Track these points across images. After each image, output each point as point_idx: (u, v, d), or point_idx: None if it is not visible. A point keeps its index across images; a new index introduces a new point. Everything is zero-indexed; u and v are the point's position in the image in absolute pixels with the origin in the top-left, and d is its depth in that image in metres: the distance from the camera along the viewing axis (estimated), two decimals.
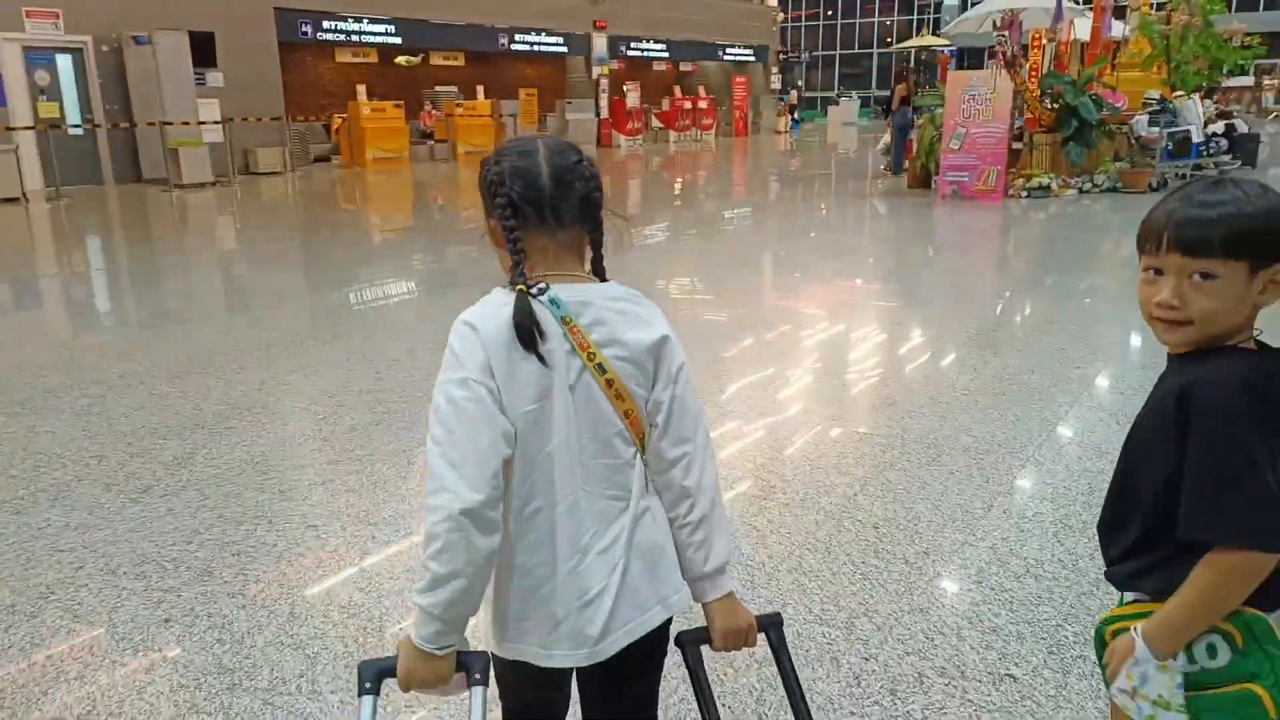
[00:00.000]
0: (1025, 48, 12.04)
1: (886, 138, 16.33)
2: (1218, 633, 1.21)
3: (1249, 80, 15.78)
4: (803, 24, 51.37)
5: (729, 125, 30.47)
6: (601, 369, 1.28)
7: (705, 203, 13.89)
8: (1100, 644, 1.35)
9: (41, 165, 14.30)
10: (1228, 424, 1.17)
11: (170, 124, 14.71)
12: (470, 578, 1.21)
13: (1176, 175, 12.32)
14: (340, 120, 19.54)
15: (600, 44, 26.37)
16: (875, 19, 52.60)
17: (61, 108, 14.89)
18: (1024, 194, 11.97)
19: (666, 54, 29.77)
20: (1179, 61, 14.11)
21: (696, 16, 29.98)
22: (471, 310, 1.29)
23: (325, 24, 19.23)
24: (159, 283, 7.84)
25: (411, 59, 22.68)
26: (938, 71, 15.90)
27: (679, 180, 17.84)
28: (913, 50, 17.51)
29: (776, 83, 34.31)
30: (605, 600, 1.30)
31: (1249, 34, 16.34)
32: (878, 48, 52.37)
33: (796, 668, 1.42)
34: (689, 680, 1.42)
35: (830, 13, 53.61)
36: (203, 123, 15.20)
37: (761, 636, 1.42)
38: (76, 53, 14.98)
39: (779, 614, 1.46)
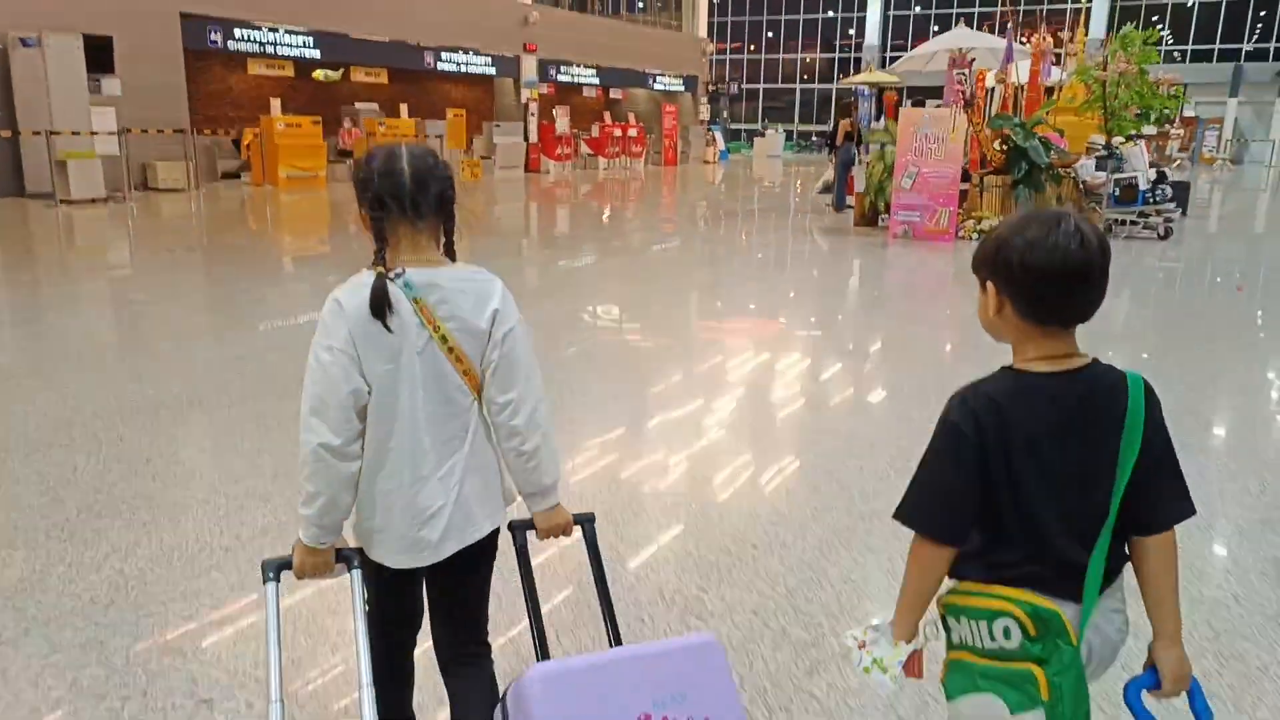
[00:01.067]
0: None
1: (829, 174, 16.01)
2: (1014, 619, 1.37)
3: (1152, 130, 16.01)
4: (727, 56, 51.72)
5: (658, 154, 30.05)
6: (444, 339, 1.66)
7: (643, 237, 13.22)
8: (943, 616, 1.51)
9: None
10: (939, 425, 1.43)
11: (58, 134, 13.32)
12: (333, 495, 1.66)
13: (1121, 221, 12.22)
14: (251, 135, 18.27)
15: (530, 67, 25.65)
16: (797, 55, 53.33)
17: None
18: (974, 235, 11.66)
19: (597, 80, 29.25)
20: (1114, 108, 14.15)
21: (627, 44, 29.59)
22: (341, 288, 1.65)
23: (237, 32, 17.99)
24: (22, 321, 6.70)
25: (331, 74, 21.54)
26: (880, 109, 15.64)
27: (612, 210, 17.16)
28: (858, 85, 17.32)
29: (705, 113, 34.13)
30: (442, 516, 1.71)
31: (1173, 85, 16.63)
32: (800, 83, 53.09)
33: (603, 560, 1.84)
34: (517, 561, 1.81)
35: (754, 47, 54.15)
36: (95, 133, 13.85)
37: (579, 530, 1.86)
38: None
39: (592, 514, 1.88)
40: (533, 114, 24.88)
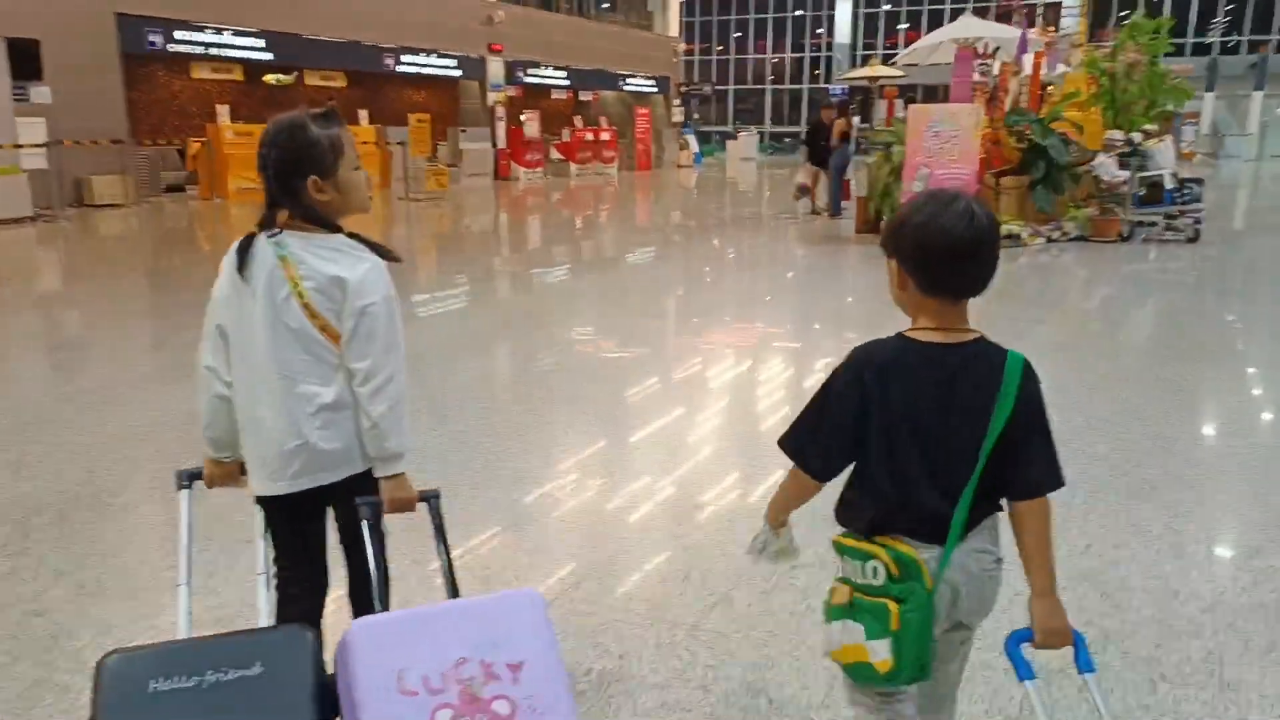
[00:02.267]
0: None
1: (801, 176, 15.01)
2: (880, 562, 1.57)
3: (1152, 126, 15.09)
4: (696, 58, 50.77)
5: (631, 158, 29.00)
6: (301, 295, 1.85)
7: (628, 251, 12.13)
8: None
9: None
10: (831, 374, 1.64)
11: None
12: (210, 413, 1.95)
13: (1145, 223, 11.33)
14: (198, 145, 16.94)
15: (496, 69, 24.47)
16: (767, 55, 52.56)
17: None
18: None
19: (566, 81, 28.12)
20: (1124, 101, 13.30)
21: (597, 43, 28.50)
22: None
23: (179, 34, 16.65)
24: None
25: (283, 77, 20.23)
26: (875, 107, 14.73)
27: (590, 220, 16.06)
28: (856, 82, 16.34)
29: (679, 115, 33.11)
30: (301, 453, 1.89)
31: (1177, 76, 15.84)
32: (770, 84, 52.32)
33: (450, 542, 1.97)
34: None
35: (722, 48, 53.31)
36: (21, 145, 12.49)
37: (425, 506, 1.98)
38: None
39: (438, 490, 1.99)
40: (500, 118, 23.70)
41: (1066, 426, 4.09)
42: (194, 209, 15.79)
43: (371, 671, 1.51)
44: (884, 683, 1.59)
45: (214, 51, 17.46)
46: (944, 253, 1.52)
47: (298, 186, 1.83)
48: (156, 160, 16.84)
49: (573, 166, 26.04)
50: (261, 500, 1.97)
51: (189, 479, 2.01)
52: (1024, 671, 1.56)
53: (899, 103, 14.04)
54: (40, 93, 14.10)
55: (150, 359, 6.09)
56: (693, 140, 33.33)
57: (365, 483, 1.94)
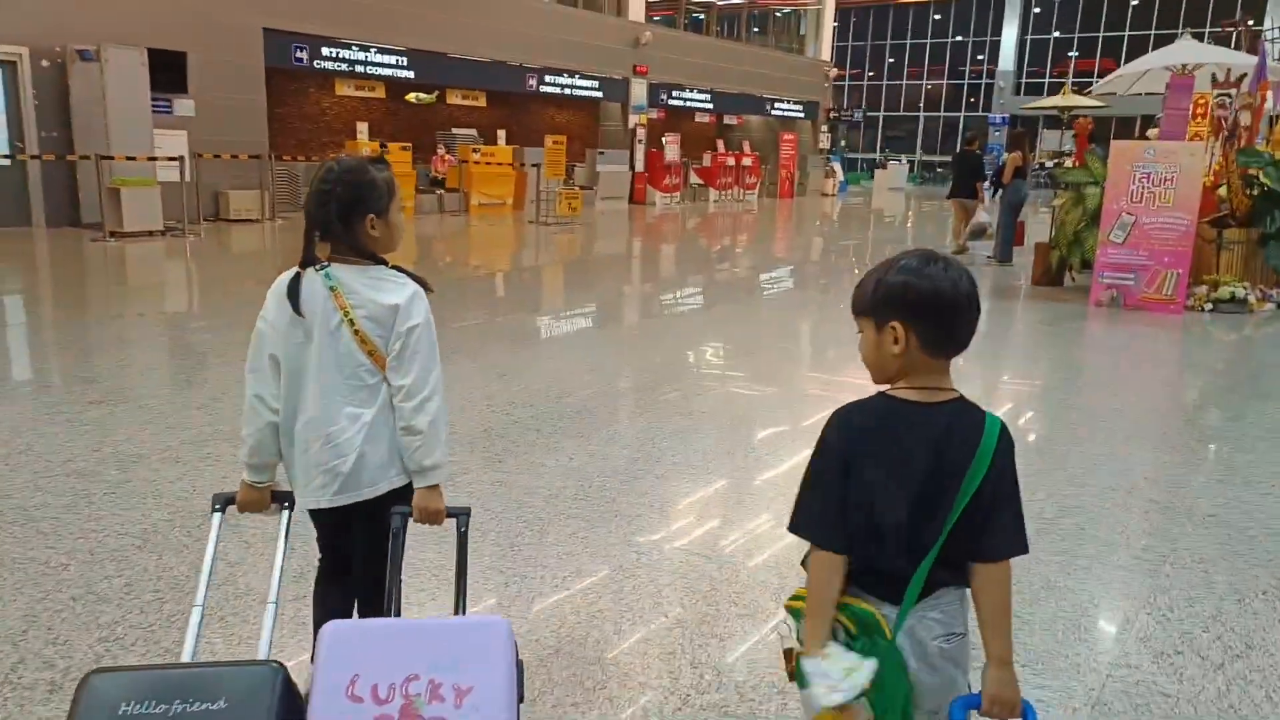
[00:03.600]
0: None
1: (982, 215, 13.34)
2: (838, 622, 1.56)
3: None
4: (846, 83, 48.93)
5: (773, 185, 27.72)
6: (352, 322, 1.98)
7: (772, 290, 10.89)
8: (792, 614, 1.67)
9: None
10: (818, 441, 1.62)
11: (109, 158, 11.90)
12: (258, 439, 2.04)
13: None
14: None
15: (639, 91, 23.74)
16: (922, 81, 50.21)
17: None
18: (1207, 306, 8.94)
19: (710, 105, 27.14)
20: None
21: (744, 67, 27.42)
22: (281, 274, 2.05)
23: (325, 50, 16.56)
24: None
25: (424, 96, 20.04)
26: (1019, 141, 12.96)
27: (722, 248, 14.91)
28: (1044, 111, 14.56)
29: (825, 142, 31.59)
30: (340, 471, 2.02)
31: None
32: (924, 110, 49.94)
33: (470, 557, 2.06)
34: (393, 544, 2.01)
35: (874, 73, 51.33)
36: (154, 158, 12.40)
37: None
38: (8, 66, 12.26)
39: (468, 508, 2.09)
40: (640, 140, 22.92)
41: None
42: None
43: (329, 673, 1.59)
44: None
45: (358, 69, 17.33)
46: (953, 311, 1.55)
47: (356, 223, 1.99)
48: (297, 176, 16.78)
49: (712, 192, 25.00)
50: (311, 514, 2.15)
51: (223, 503, 2.06)
52: None
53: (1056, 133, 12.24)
54: (184, 105, 14.14)
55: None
56: (838, 168, 31.76)
57: (396, 500, 2.07)
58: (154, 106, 13.28)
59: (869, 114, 48.58)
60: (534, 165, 17.31)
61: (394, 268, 2.06)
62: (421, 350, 2.00)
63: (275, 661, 1.63)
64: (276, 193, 15.56)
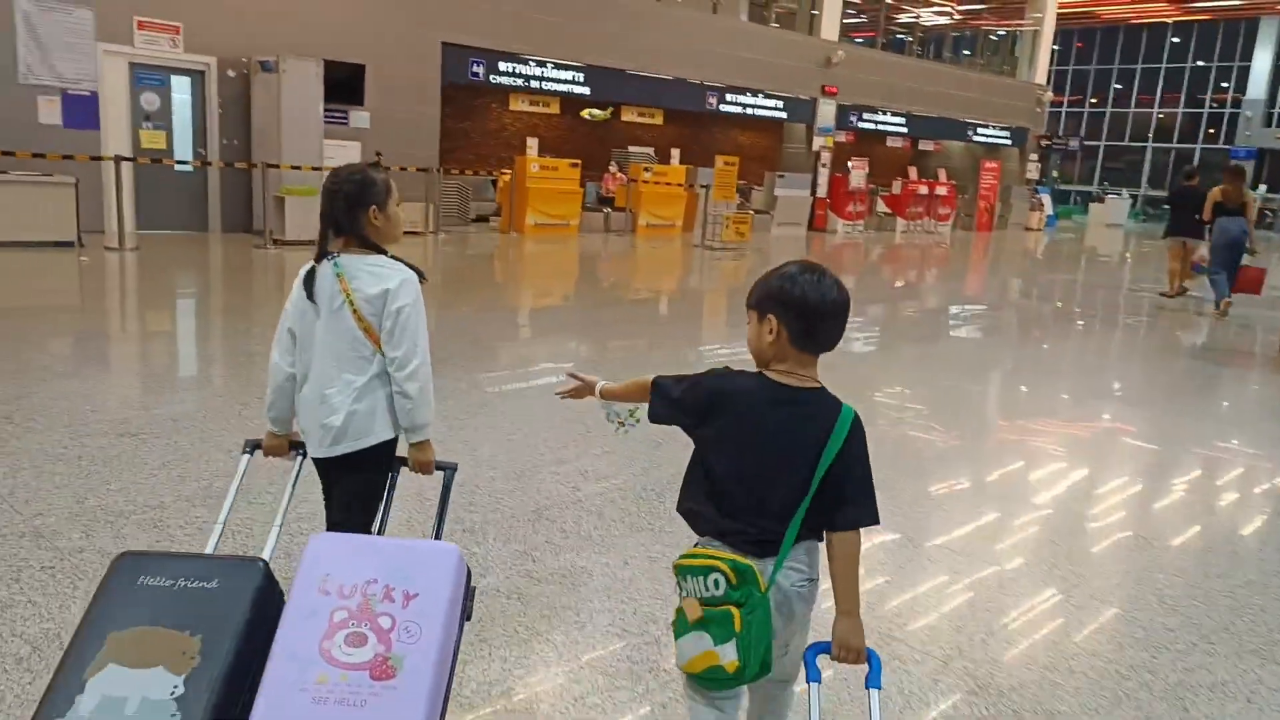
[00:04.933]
0: None
1: (1203, 250, 11.52)
2: (721, 573, 1.78)
3: None
4: (1063, 110, 45.10)
5: (969, 216, 25.57)
6: (351, 302, 2.33)
7: (946, 325, 9.43)
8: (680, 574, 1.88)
9: (135, 206, 12.06)
10: (692, 376, 1.99)
11: (275, 167, 12.07)
12: (275, 396, 2.46)
13: None
14: (506, 177, 16.63)
15: (827, 112, 22.44)
16: (1153, 110, 45.60)
17: (170, 139, 12.65)
18: None
19: (905, 129, 25.40)
20: None
21: (946, 89, 25.49)
22: (304, 265, 2.42)
23: (502, 65, 16.46)
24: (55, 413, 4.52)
25: (598, 112, 19.68)
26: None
27: (906, 284, 13.41)
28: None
29: (1033, 171, 28.91)
30: (337, 425, 2.37)
31: None
32: (1152, 141, 45.31)
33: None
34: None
35: (1095, 100, 47.15)
36: (319, 169, 12.49)
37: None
38: (196, 76, 12.74)
39: (456, 465, 2.49)
40: (824, 164, 21.62)
41: None
42: (486, 242, 15.36)
43: (309, 571, 1.93)
44: (735, 682, 1.80)
45: (533, 84, 17.14)
46: (820, 314, 1.85)
47: (361, 214, 2.36)
48: (466, 190, 16.77)
49: (899, 222, 23.28)
50: (315, 462, 2.49)
51: (251, 447, 2.50)
52: (813, 674, 1.78)
53: None
54: (360, 117, 14.31)
55: None
56: (1047, 200, 28.98)
57: (381, 453, 2.44)
58: (330, 118, 13.50)
59: (1087, 143, 44.52)
60: (703, 186, 16.46)
61: (393, 258, 2.41)
62: (409, 327, 2.34)
63: (261, 559, 2.02)
64: (443, 206, 15.54)
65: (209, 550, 2.31)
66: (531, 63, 16.86)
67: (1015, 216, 27.36)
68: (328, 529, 2.50)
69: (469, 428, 5.03)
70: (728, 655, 1.74)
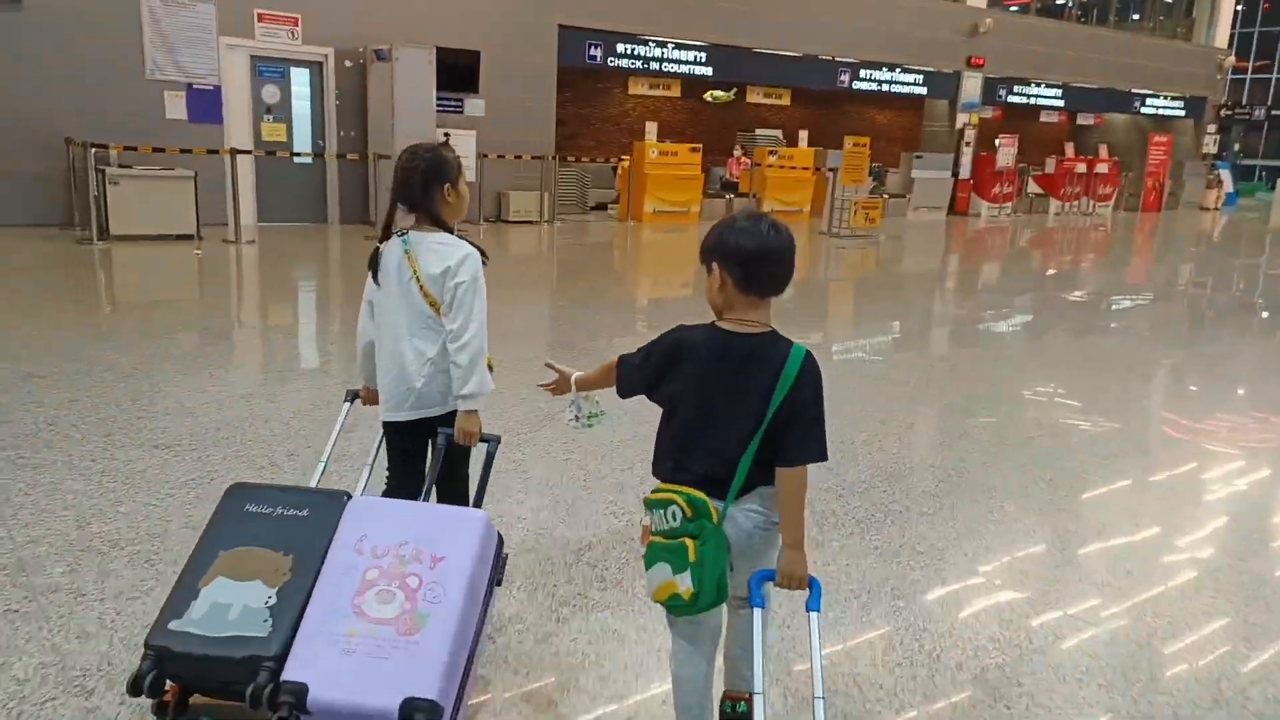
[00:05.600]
0: None
1: None
2: (677, 506, 1.92)
3: None
4: (1248, 76, 40.72)
5: (1134, 196, 23.28)
6: (417, 277, 2.51)
7: (1101, 323, 8.24)
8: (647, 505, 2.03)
9: (256, 198, 12.26)
10: (651, 343, 2.09)
11: (387, 158, 11.95)
12: (363, 357, 2.74)
13: None
14: (624, 163, 16.12)
15: (972, 86, 20.81)
16: None
17: (290, 131, 12.77)
18: None
19: (1061, 102, 23.34)
20: None
21: (1107, 56, 23.22)
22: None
23: (620, 47, 15.92)
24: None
25: (721, 94, 18.87)
26: None
27: (1055, 273, 12.07)
28: None
29: (1211, 145, 26.10)
30: (412, 393, 2.59)
31: None
32: None
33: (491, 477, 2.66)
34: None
35: None
36: None
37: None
38: (314, 67, 12.80)
39: (499, 437, 2.65)
40: (968, 143, 20.05)
41: None
42: (602, 230, 14.92)
43: (348, 529, 2.17)
44: (691, 609, 1.93)
45: (653, 66, 16.53)
46: (758, 258, 1.94)
47: (435, 191, 2.50)
48: (584, 177, 16.37)
49: (1053, 203, 21.41)
50: (385, 425, 2.70)
51: (351, 396, 2.86)
52: (756, 600, 1.93)
53: None
54: (475, 105, 14.09)
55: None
56: (1226, 177, 26.12)
57: (451, 422, 2.60)
58: (445, 106, 13.34)
59: (1275, 113, 40.00)
60: (830, 169, 15.46)
61: (459, 236, 2.58)
62: (466, 301, 2.49)
63: (348, 493, 2.32)
64: (560, 194, 15.17)
65: (313, 484, 2.70)
66: (651, 43, 16.26)
67: (1188, 195, 24.76)
68: (393, 494, 2.72)
69: (530, 443, 4.49)
70: (684, 583, 1.90)
